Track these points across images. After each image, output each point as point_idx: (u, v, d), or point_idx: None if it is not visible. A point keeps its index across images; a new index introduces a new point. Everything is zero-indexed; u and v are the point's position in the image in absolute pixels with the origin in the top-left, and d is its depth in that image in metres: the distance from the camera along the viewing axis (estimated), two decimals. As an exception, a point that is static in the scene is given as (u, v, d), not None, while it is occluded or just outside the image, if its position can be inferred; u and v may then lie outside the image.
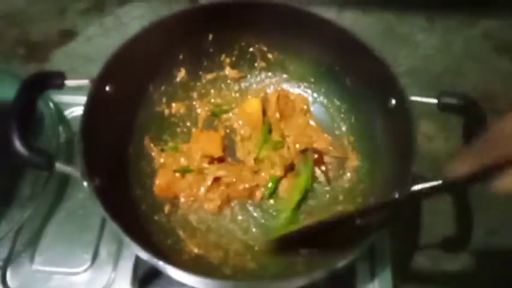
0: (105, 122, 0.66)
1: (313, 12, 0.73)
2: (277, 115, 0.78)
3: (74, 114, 0.86)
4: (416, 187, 0.58)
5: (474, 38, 1.12)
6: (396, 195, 0.60)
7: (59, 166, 0.58)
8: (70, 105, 0.87)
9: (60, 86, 0.63)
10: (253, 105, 0.77)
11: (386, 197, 0.63)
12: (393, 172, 0.66)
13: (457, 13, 1.14)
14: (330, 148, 0.77)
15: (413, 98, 0.65)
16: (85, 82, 0.65)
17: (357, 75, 0.75)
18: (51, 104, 0.82)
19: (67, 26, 1.13)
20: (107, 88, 0.67)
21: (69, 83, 0.64)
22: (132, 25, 1.14)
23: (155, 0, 1.15)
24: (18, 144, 0.55)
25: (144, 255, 0.56)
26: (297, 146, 0.76)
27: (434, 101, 0.65)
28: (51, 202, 0.76)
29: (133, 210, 0.68)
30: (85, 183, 0.58)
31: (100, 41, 1.12)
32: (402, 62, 1.08)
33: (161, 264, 0.55)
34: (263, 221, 0.72)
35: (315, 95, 0.82)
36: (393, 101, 0.68)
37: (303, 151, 0.76)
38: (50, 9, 1.15)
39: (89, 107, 0.62)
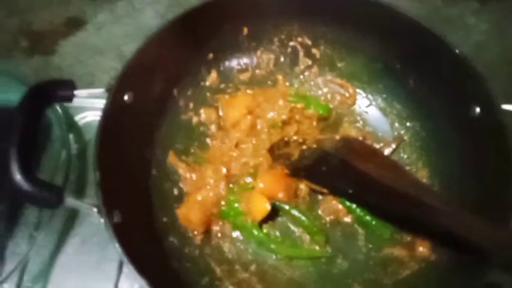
0: (124, 140, 0.55)
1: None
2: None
3: (87, 120, 0.75)
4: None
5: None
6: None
7: (70, 201, 0.47)
8: (81, 109, 0.75)
9: (69, 98, 0.52)
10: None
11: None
12: (479, 200, 0.53)
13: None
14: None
15: (506, 107, 0.52)
16: (99, 91, 0.53)
17: (425, 75, 0.62)
18: (59, 109, 0.70)
19: (74, 13, 1.00)
20: (126, 97, 0.55)
21: (80, 93, 0.52)
22: (146, 11, 1.01)
23: (171, -19, 1.01)
24: (19, 178, 0.44)
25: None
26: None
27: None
28: (62, 229, 0.65)
29: (159, 245, 0.56)
30: (103, 220, 0.47)
31: (111, 29, 0.99)
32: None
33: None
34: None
35: (370, 96, 0.69)
36: (477, 110, 0.55)
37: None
38: (55, -5, 1.03)
39: (105, 124, 0.51)
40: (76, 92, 0.52)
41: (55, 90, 0.51)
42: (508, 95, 0.60)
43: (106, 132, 0.50)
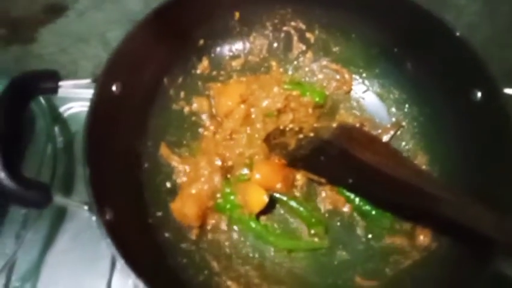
0: (114, 133, 0.52)
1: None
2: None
3: (73, 111, 0.72)
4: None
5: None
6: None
7: (58, 200, 0.44)
8: (65, 100, 0.71)
9: (54, 90, 0.49)
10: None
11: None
12: (480, 188, 0.52)
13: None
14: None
15: (508, 91, 0.51)
16: (85, 82, 0.50)
17: (423, 59, 0.60)
18: (42, 101, 0.67)
19: (53, -1, 0.96)
20: (114, 88, 0.53)
21: (65, 84, 0.49)
22: (131, -5, 0.96)
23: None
24: (3, 176, 0.41)
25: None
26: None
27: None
28: (51, 226, 0.62)
29: (153, 241, 0.54)
30: (94, 218, 0.45)
31: (94, 15, 0.95)
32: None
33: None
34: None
35: (366, 82, 0.67)
36: (478, 94, 0.53)
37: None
38: (33, -20, 0.98)
39: (94, 117, 0.48)
40: (60, 83, 0.49)
41: (39, 82, 0.48)
42: (502, 78, 0.58)
43: (95, 125, 0.48)
